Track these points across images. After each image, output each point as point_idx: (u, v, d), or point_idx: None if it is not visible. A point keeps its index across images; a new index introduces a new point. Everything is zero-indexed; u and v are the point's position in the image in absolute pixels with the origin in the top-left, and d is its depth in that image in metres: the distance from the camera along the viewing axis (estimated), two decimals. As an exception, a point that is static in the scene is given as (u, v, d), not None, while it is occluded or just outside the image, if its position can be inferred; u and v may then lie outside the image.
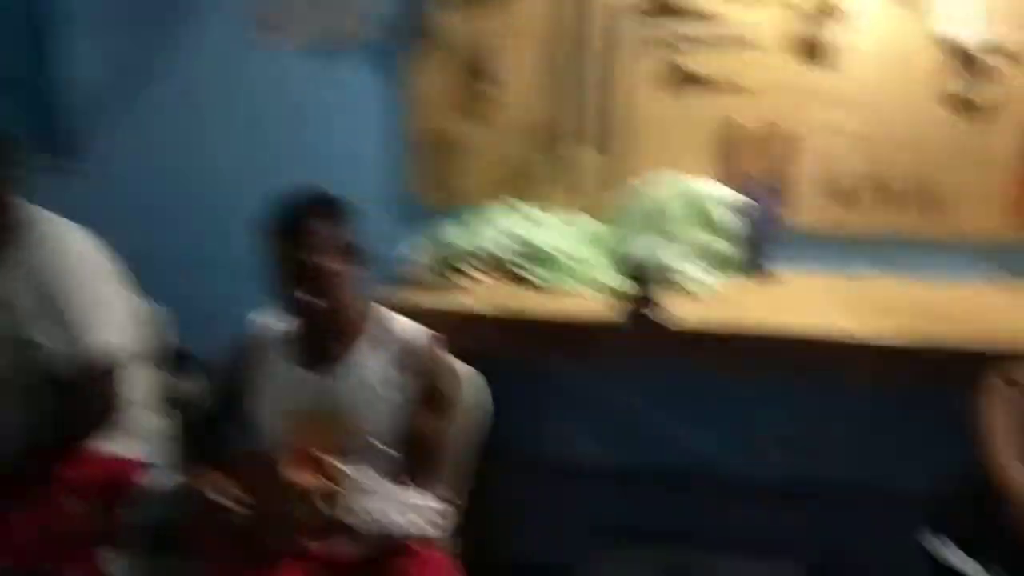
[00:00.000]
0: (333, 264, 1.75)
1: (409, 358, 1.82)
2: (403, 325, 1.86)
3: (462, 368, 1.96)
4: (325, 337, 1.83)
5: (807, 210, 2.50)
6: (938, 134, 2.43)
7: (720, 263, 2.39)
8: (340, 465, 1.70)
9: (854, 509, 2.52)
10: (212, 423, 1.96)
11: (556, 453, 2.73)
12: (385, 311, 1.89)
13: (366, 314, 1.86)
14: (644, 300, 2.05)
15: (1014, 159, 2.41)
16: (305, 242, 1.72)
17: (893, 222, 2.49)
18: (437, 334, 1.86)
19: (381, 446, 1.79)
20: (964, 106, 2.40)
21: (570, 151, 2.57)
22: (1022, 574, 1.66)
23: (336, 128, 2.66)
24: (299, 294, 1.73)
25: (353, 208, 1.81)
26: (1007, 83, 2.37)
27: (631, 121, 2.53)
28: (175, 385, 2.29)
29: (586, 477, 2.68)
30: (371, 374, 1.81)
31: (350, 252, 1.78)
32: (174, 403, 2.24)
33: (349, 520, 1.67)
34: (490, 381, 2.00)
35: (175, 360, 2.36)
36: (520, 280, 2.33)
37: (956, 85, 2.39)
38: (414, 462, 1.80)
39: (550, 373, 2.67)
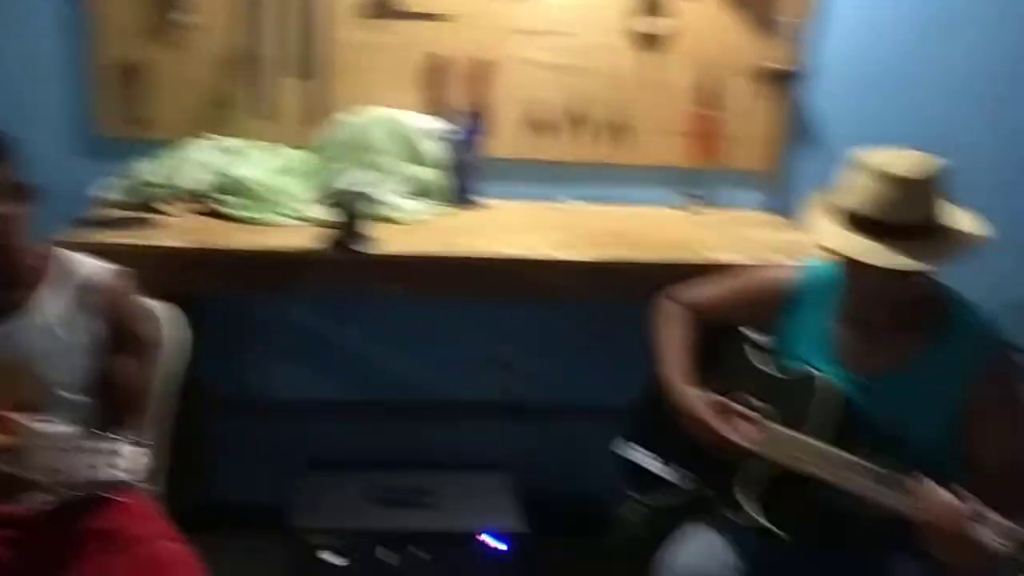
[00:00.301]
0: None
1: (91, 297, 1.69)
2: (86, 265, 1.74)
3: (156, 306, 1.86)
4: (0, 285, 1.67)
5: (509, 140, 2.58)
6: (626, 67, 2.58)
7: (426, 192, 2.42)
8: (21, 419, 1.57)
9: (562, 425, 2.69)
10: None
11: (264, 390, 2.69)
12: (69, 253, 1.74)
13: (46, 257, 1.71)
14: (348, 230, 2.04)
15: (690, 91, 2.62)
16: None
17: (589, 151, 2.63)
18: (123, 270, 1.74)
19: (71, 395, 1.67)
20: (646, 40, 2.56)
21: (270, 82, 2.48)
22: (701, 469, 1.84)
23: (6, 54, 2.40)
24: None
25: (16, 143, 1.63)
26: (683, 17, 2.55)
27: (334, 51, 2.48)
28: None
29: (296, 412, 2.66)
30: (53, 319, 1.67)
31: (18, 192, 1.62)
32: None
33: (35, 476, 1.55)
34: (191, 319, 1.91)
35: None
36: (220, 215, 2.23)
37: (639, 20, 2.54)
38: (112, 407, 1.69)
39: (255, 309, 2.62)
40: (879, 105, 2.68)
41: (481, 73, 2.54)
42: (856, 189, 1.58)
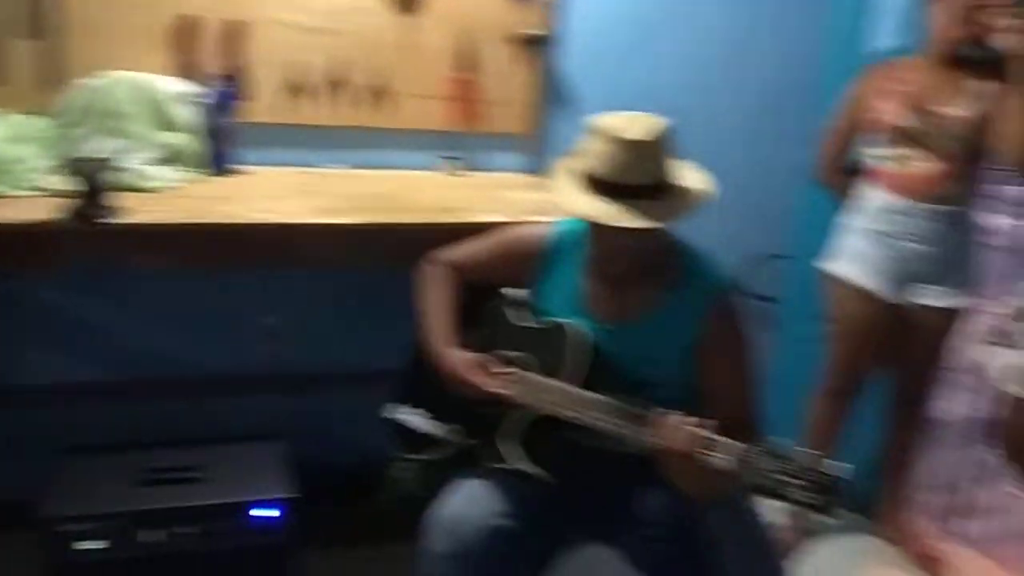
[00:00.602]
0: None
1: None
2: None
3: None
4: None
5: (267, 104, 2.52)
6: (384, 30, 2.58)
7: (177, 159, 2.32)
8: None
9: (333, 391, 2.69)
10: None
11: (13, 376, 2.51)
12: None
13: None
14: (90, 200, 1.92)
15: (448, 55, 2.66)
16: None
17: (349, 116, 2.61)
18: None
19: None
20: (403, 3, 2.57)
21: (1, 44, 2.29)
22: (466, 423, 1.89)
23: None
24: None
25: None
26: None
27: (68, 9, 2.32)
28: None
29: (51, 397, 2.50)
30: None
31: None
32: None
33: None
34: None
35: None
36: (-55, 188, 2.05)
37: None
38: None
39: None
40: (623, 70, 2.83)
41: (234, 35, 2.46)
42: (593, 153, 1.67)
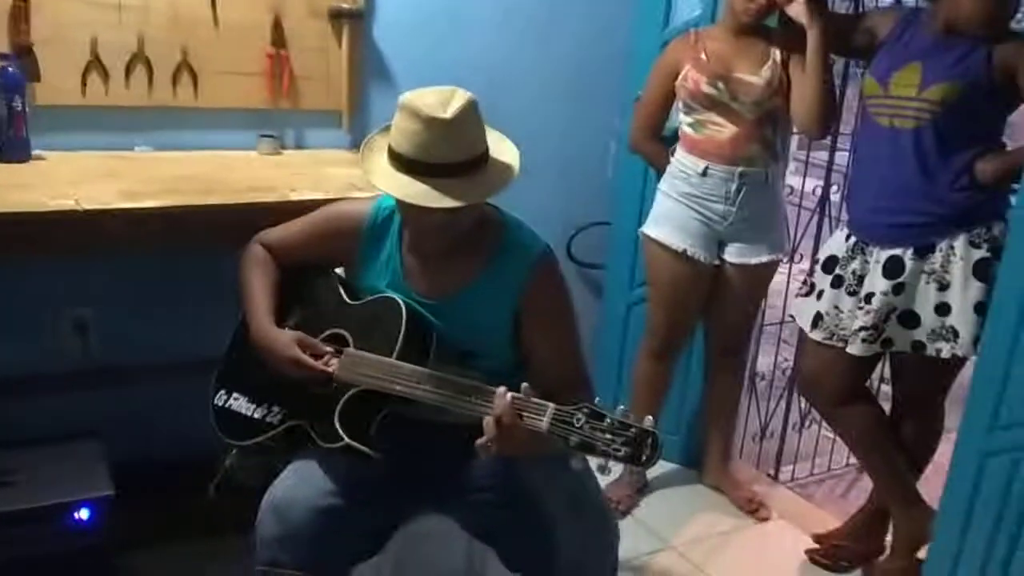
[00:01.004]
0: None
1: None
2: None
3: None
4: None
5: (65, 86, 2.38)
6: (193, 6, 2.48)
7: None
8: None
9: (154, 383, 2.57)
10: None
11: None
12: None
13: None
14: None
15: (261, 31, 2.57)
16: None
17: (158, 96, 2.49)
18: None
19: None
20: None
21: None
22: (293, 404, 1.84)
23: None
24: None
25: None
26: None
27: None
28: None
29: None
30: None
31: None
32: None
33: None
34: None
35: None
36: None
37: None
38: None
39: None
40: (437, 43, 2.84)
41: (21, 11, 2.29)
42: (401, 131, 1.64)
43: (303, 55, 2.64)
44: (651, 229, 2.75)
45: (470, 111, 1.64)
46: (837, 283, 2.42)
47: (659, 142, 2.77)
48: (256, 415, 1.88)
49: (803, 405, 3.26)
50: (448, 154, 1.62)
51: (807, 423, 3.30)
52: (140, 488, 2.16)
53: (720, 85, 2.54)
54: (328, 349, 1.79)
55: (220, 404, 1.94)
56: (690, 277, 2.72)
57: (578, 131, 3.18)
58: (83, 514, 2.00)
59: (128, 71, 2.45)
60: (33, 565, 1.98)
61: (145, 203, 2.04)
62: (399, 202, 1.68)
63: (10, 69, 2.23)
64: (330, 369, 1.76)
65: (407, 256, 1.83)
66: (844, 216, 2.62)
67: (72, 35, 2.37)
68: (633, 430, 1.44)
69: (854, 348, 2.37)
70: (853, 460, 3.07)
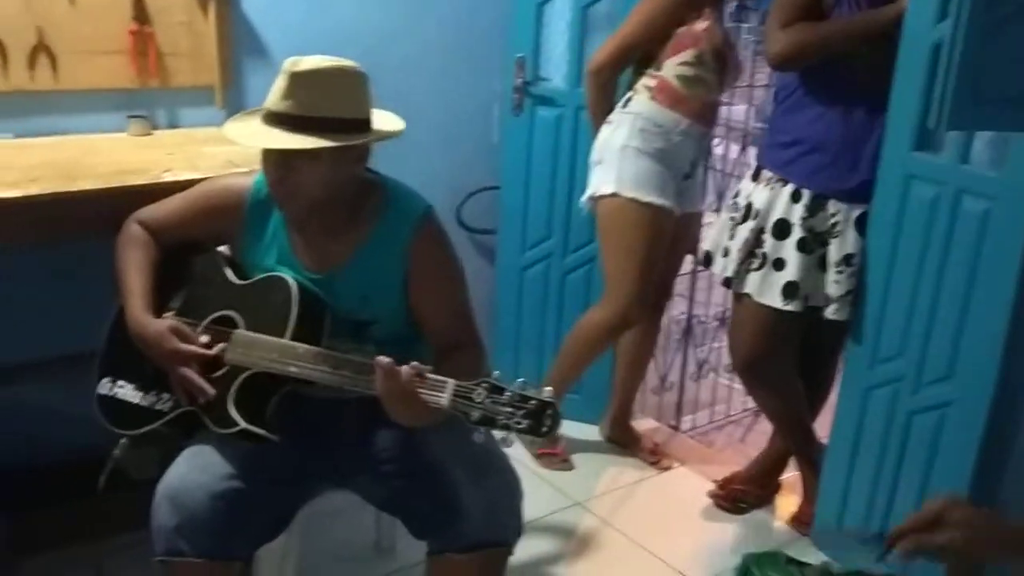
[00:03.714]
0: None
1: None
2: None
3: None
4: None
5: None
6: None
7: None
8: None
9: (34, 382, 2.45)
10: None
11: None
12: None
13: None
14: None
15: (123, 7, 2.45)
16: None
17: (12, 79, 2.36)
18: None
19: None
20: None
21: None
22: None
23: None
24: None
25: None
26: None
27: None
28: None
29: None
30: None
31: None
32: None
33: None
34: None
35: None
36: None
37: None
38: None
39: None
40: (311, 15, 2.77)
41: None
42: (272, 91, 1.63)
43: (169, 30, 2.53)
44: (636, 192, 2.59)
45: (339, 73, 1.62)
46: (803, 247, 2.33)
47: (612, 87, 2.64)
48: (144, 403, 1.82)
49: (699, 355, 3.35)
50: (301, 105, 1.60)
51: (705, 373, 3.39)
52: (25, 495, 2.07)
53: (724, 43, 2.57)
54: (205, 338, 1.73)
55: (104, 393, 1.87)
56: (667, 234, 2.68)
57: (460, 95, 3.14)
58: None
59: (-19, 56, 2.31)
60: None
61: (3, 194, 1.93)
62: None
63: None
64: (213, 352, 1.71)
65: (292, 231, 1.79)
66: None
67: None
68: (533, 402, 1.46)
69: (836, 314, 2.34)
70: (751, 404, 3.15)
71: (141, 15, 2.48)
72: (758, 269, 2.39)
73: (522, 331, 3.15)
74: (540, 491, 2.76)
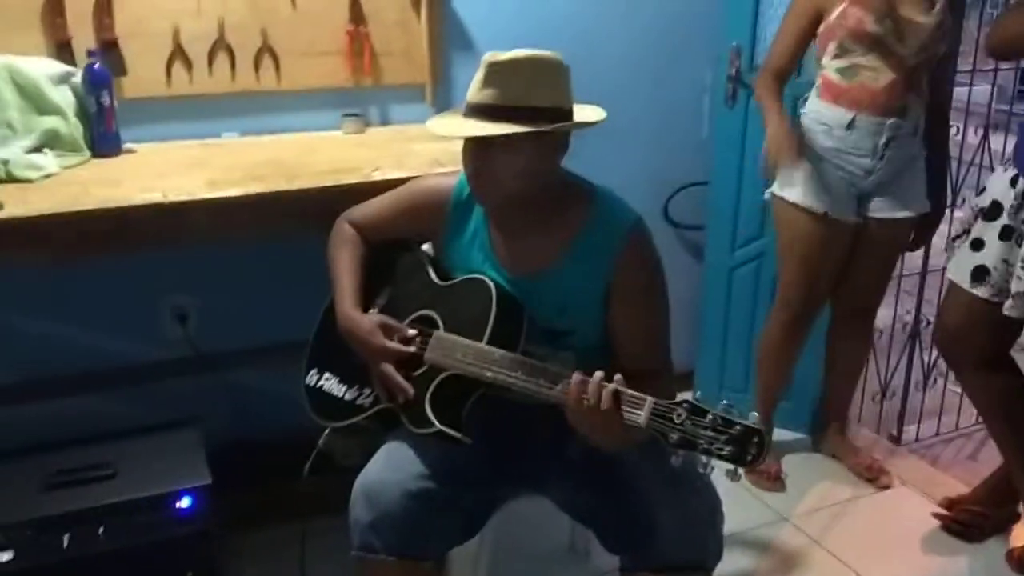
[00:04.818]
0: None
1: None
2: None
3: None
4: None
5: (149, 78, 2.39)
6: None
7: (56, 144, 2.18)
8: None
9: (253, 368, 2.59)
10: None
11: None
12: None
13: None
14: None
15: (339, 8, 2.53)
16: None
17: (240, 81, 2.48)
18: None
19: None
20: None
21: None
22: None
23: None
24: None
25: None
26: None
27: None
28: None
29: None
30: None
31: None
32: None
33: None
34: None
35: None
36: None
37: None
38: None
39: None
40: (520, 10, 2.74)
41: (105, 6, 2.32)
42: (472, 84, 1.62)
43: (383, 30, 2.59)
44: (784, 190, 2.54)
45: (537, 63, 1.58)
46: (1006, 234, 2.17)
47: (781, 92, 2.52)
48: (347, 396, 1.87)
49: (927, 361, 3.07)
50: (501, 96, 1.57)
51: (932, 379, 3.11)
52: (239, 473, 2.18)
53: (888, 23, 2.34)
54: (413, 333, 1.75)
55: (312, 384, 1.94)
56: (830, 240, 2.53)
57: (669, 88, 3.03)
58: (184, 503, 2.02)
59: (211, 58, 2.45)
60: (136, 554, 2.01)
61: (229, 192, 2.03)
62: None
63: (96, 65, 2.25)
64: (411, 351, 1.72)
65: (494, 232, 1.77)
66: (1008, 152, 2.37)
67: (154, 26, 2.37)
68: (737, 428, 1.35)
69: (1012, 311, 2.15)
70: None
71: (357, 16, 2.56)
72: (960, 245, 2.28)
73: (729, 333, 3.01)
74: (742, 502, 2.63)
